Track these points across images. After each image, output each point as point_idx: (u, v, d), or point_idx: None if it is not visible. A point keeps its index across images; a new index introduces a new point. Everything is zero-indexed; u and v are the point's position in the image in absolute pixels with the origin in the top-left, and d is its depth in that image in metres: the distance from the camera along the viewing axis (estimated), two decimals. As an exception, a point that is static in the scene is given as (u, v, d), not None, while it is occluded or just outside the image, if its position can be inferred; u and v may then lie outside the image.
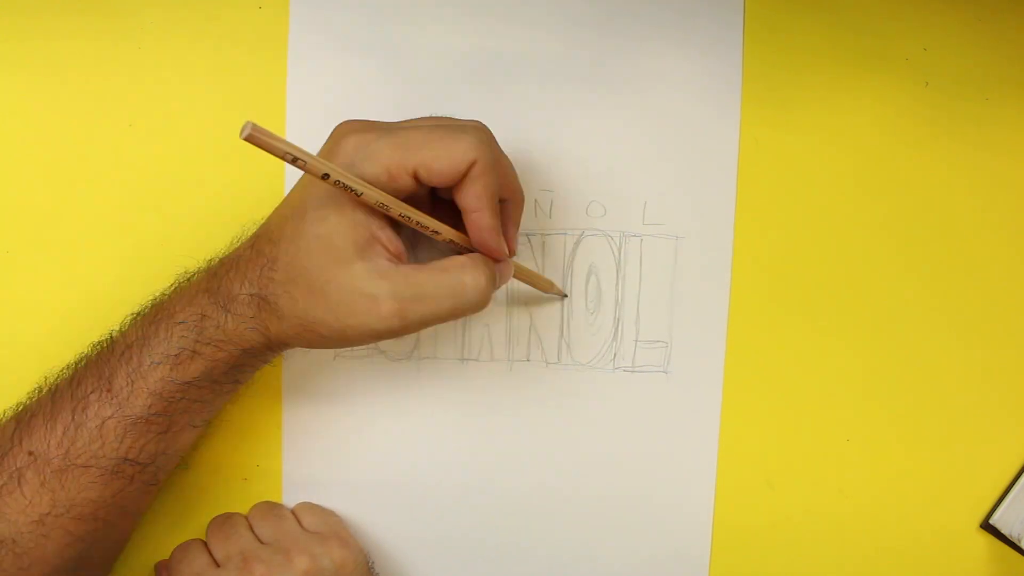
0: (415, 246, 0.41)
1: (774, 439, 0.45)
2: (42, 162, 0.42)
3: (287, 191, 0.39)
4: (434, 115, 0.38)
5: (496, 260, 0.37)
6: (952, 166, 0.45)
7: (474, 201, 0.35)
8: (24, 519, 0.35)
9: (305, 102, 0.43)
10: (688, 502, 0.45)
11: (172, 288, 0.38)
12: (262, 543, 0.40)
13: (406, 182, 0.34)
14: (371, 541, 0.44)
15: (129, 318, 0.37)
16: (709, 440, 0.45)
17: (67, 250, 0.42)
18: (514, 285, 0.44)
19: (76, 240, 0.42)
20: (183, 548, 0.40)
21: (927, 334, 0.46)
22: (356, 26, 0.43)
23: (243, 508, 0.43)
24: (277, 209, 0.37)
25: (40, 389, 0.37)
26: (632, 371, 0.45)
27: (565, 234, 0.44)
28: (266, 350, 0.37)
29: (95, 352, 0.37)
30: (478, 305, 0.35)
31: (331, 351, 0.44)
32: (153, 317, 0.36)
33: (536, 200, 0.44)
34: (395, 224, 0.35)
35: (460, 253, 0.37)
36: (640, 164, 0.44)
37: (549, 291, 0.43)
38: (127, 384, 0.35)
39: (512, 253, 0.38)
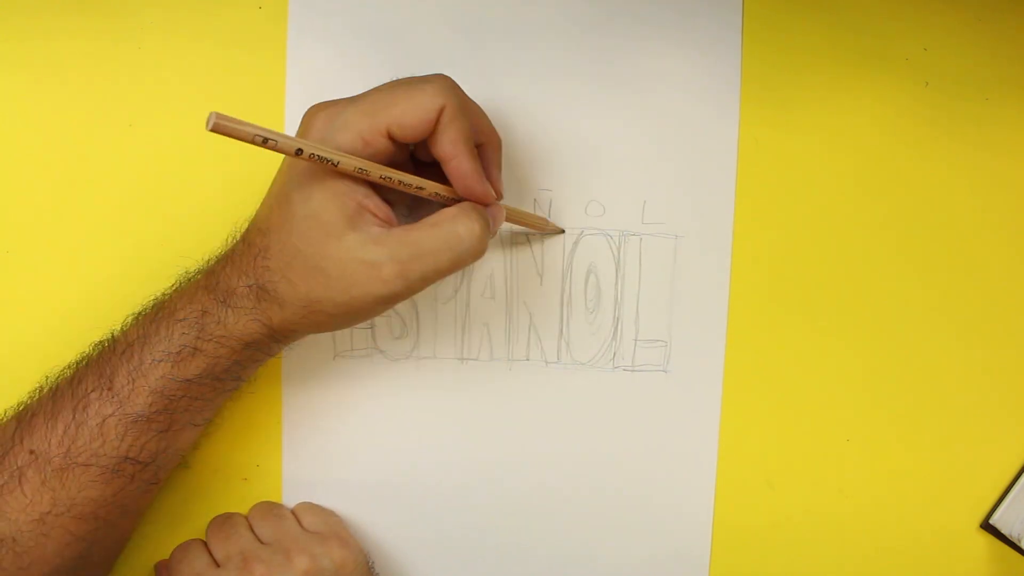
0: (411, 215, 0.41)
1: (774, 439, 0.45)
2: (42, 162, 0.42)
3: (287, 190, 0.39)
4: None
5: (485, 204, 0.37)
6: (952, 166, 0.45)
7: (450, 147, 0.35)
8: (24, 518, 0.35)
9: (304, 102, 0.42)
10: (688, 502, 0.45)
11: (173, 287, 0.38)
12: (262, 543, 0.40)
13: (382, 143, 0.34)
14: (371, 541, 0.44)
15: (130, 318, 0.37)
16: (709, 440, 0.45)
17: (67, 250, 0.42)
18: (513, 272, 0.44)
19: (76, 240, 0.42)
20: (183, 548, 0.40)
21: (927, 334, 0.46)
22: (355, 26, 0.43)
23: (243, 508, 0.43)
24: (263, 201, 0.37)
25: (41, 388, 0.37)
26: (632, 370, 0.45)
27: (564, 233, 0.44)
28: (270, 342, 0.37)
29: (96, 351, 0.37)
30: (476, 253, 0.35)
31: (331, 351, 0.44)
32: (154, 316, 0.36)
33: (535, 199, 0.44)
34: (380, 191, 0.35)
35: (448, 207, 0.36)
36: (639, 163, 0.44)
37: (545, 230, 0.43)
38: (128, 382, 0.35)
39: (499, 196, 0.38)
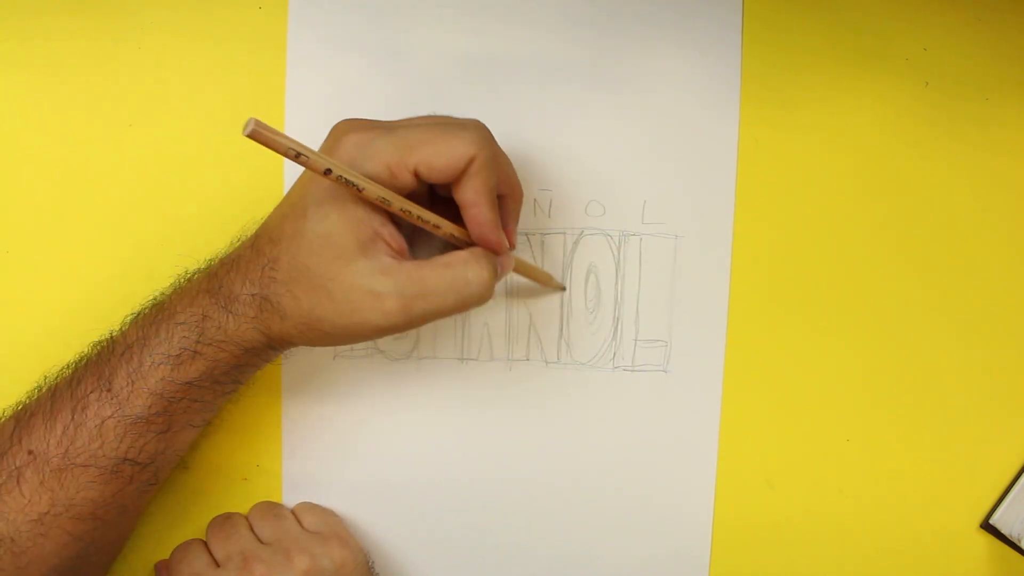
0: (412, 244, 0.41)
1: (774, 439, 0.45)
2: (42, 162, 0.42)
3: (287, 190, 0.39)
4: (433, 114, 0.38)
5: (496, 253, 0.37)
6: (952, 166, 0.45)
7: (473, 196, 0.35)
8: (23, 518, 0.35)
9: (304, 102, 0.43)
10: (688, 502, 0.45)
11: (172, 288, 0.38)
12: (262, 543, 0.40)
13: (407, 179, 0.34)
14: (371, 541, 0.44)
15: (129, 318, 0.37)
16: (709, 440, 0.45)
17: (67, 250, 0.42)
18: (513, 280, 0.44)
19: (76, 240, 0.42)
20: (183, 548, 0.40)
21: (927, 334, 0.46)
22: (355, 26, 0.43)
23: (243, 508, 0.43)
24: (276, 208, 0.37)
25: (40, 388, 0.37)
26: (632, 370, 0.45)
27: (564, 233, 0.44)
28: (268, 349, 0.37)
29: (95, 352, 0.37)
30: (481, 299, 0.35)
31: (331, 351, 0.44)
32: (153, 317, 0.36)
33: (535, 199, 0.44)
34: (396, 221, 0.35)
35: (459, 248, 0.37)
36: (639, 163, 0.44)
37: (548, 284, 0.43)
38: (127, 384, 0.35)
39: (512, 247, 0.38)
